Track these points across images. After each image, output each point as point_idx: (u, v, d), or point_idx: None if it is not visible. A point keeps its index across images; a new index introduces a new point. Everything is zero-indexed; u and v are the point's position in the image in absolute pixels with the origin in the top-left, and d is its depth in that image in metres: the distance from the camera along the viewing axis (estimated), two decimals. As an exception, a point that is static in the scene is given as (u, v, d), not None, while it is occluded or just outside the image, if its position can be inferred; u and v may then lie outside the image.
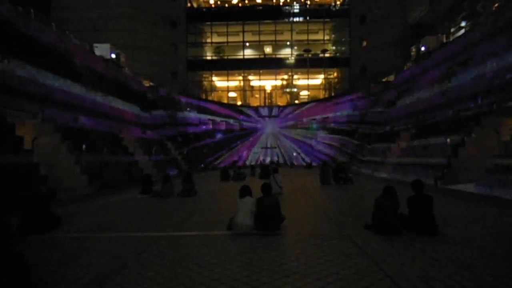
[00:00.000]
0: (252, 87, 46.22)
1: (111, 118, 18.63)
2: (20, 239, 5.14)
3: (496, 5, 18.54)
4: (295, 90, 44.61)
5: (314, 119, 37.45)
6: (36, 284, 3.26)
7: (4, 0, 13.00)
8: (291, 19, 42.86)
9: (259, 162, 35.33)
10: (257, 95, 45.47)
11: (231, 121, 38.94)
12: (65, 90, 14.90)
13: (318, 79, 45.05)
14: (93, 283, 3.46)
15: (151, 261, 4.13)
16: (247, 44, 43.65)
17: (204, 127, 35.97)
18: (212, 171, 27.44)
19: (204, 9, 44.26)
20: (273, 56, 44.35)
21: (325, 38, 43.61)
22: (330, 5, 42.55)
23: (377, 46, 35.98)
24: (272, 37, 43.66)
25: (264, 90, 45.50)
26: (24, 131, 11.32)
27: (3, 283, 2.80)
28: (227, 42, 43.38)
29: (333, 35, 44.54)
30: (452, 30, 26.54)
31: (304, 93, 45.22)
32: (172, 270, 3.79)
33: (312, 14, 42.48)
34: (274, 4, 44.17)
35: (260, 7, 43.80)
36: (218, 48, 43.80)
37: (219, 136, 36.48)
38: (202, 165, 30.71)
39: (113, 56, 23.81)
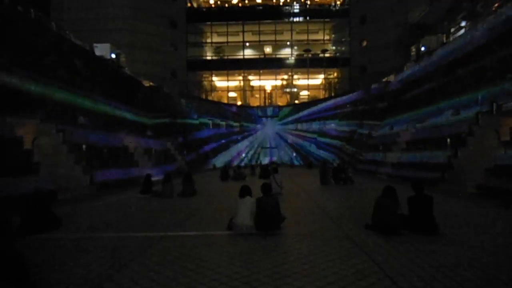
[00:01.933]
0: (252, 87, 46.27)
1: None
2: (20, 239, 5.14)
3: (496, 5, 18.54)
4: (295, 90, 44.65)
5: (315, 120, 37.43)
6: (36, 284, 3.26)
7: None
8: (291, 19, 42.90)
9: (259, 162, 35.36)
10: (257, 95, 45.52)
11: (231, 121, 38.95)
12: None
13: (318, 79, 45.08)
14: (93, 283, 3.46)
15: (151, 261, 4.13)
16: (247, 44, 43.70)
17: (204, 127, 35.99)
18: (212, 171, 27.45)
19: (204, 9, 44.32)
20: (273, 56, 44.40)
21: (325, 38, 43.67)
22: (330, 5, 42.60)
23: (377, 46, 36.00)
24: (272, 37, 43.71)
25: (264, 90, 45.55)
26: (24, 131, 11.31)
27: (3, 283, 2.80)
28: (227, 42, 43.42)
29: (333, 35, 44.58)
30: (452, 30, 26.55)
31: (304, 93, 45.27)
32: (172, 270, 3.79)
33: (312, 14, 42.53)
34: (274, 4, 44.21)
35: (260, 7, 43.83)
36: (218, 48, 43.85)
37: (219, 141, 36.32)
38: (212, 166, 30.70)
39: (113, 56, 23.82)
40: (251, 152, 39.51)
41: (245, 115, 40.02)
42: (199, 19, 42.46)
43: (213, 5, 45.30)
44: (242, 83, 45.50)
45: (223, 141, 36.92)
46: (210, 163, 32.24)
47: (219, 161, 33.78)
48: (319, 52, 41.97)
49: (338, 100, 35.72)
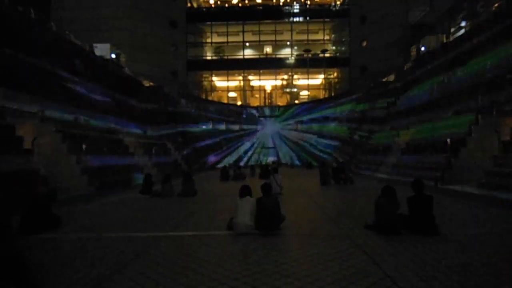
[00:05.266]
0: (252, 87, 46.26)
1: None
2: (20, 239, 5.14)
3: (496, 5, 18.54)
4: (295, 90, 44.65)
5: (314, 119, 37.44)
6: (36, 284, 3.26)
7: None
8: (291, 19, 42.88)
9: (258, 162, 35.35)
10: (257, 95, 45.51)
11: (231, 121, 38.94)
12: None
13: (318, 79, 45.08)
14: (93, 283, 3.46)
15: (151, 261, 4.13)
16: (247, 44, 43.68)
17: (204, 127, 35.98)
18: (212, 170, 27.44)
19: (204, 9, 44.30)
20: (273, 56, 44.39)
21: (325, 38, 43.65)
22: (330, 5, 42.58)
23: (377, 46, 35.99)
24: (272, 37, 43.69)
25: (264, 90, 45.54)
26: (24, 131, 11.30)
27: (3, 283, 2.80)
28: (227, 42, 43.41)
29: (333, 35, 44.58)
30: (452, 30, 26.55)
31: (304, 93, 45.25)
32: (172, 270, 3.79)
33: (312, 14, 42.52)
34: (274, 4, 44.20)
35: (260, 7, 43.83)
36: (218, 48, 43.84)
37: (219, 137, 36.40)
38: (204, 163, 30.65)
39: (113, 56, 23.82)
40: (250, 152, 39.50)
41: (245, 115, 40.00)
42: (199, 19, 42.44)
43: (213, 5, 45.27)
44: (242, 83, 45.48)
45: (223, 141, 36.94)
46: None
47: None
48: (319, 52, 41.93)
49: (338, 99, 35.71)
